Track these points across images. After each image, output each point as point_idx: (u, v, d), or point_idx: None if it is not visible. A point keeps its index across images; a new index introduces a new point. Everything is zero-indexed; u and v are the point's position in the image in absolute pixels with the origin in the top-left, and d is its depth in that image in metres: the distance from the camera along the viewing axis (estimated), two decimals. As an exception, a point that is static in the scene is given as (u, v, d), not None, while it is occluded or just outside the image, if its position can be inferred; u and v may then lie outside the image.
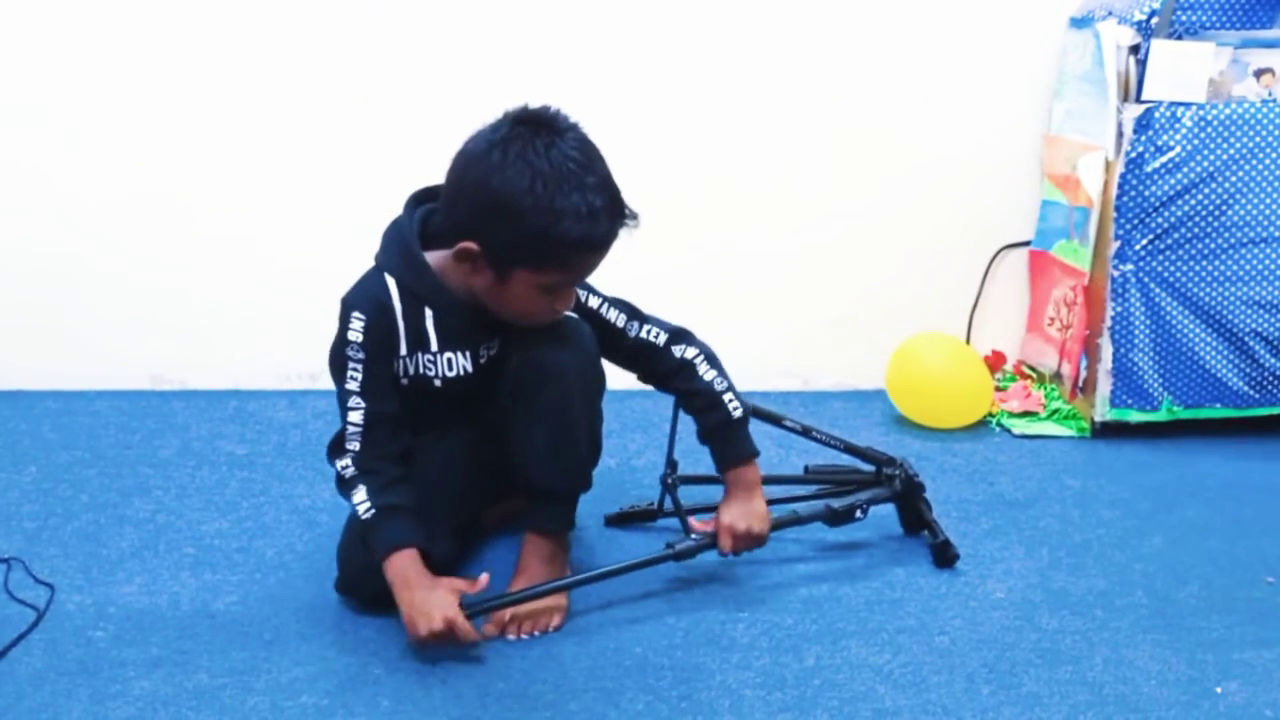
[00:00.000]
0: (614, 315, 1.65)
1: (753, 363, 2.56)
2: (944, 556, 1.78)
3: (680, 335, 1.68)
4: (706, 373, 1.66)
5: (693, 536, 1.67)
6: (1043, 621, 1.62)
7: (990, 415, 2.42)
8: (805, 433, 1.88)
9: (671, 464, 1.78)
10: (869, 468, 1.91)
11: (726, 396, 1.66)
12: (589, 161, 1.45)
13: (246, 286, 2.49)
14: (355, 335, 1.52)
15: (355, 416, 1.53)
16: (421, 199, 1.60)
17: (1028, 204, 2.55)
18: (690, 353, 1.67)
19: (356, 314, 1.52)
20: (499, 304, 1.53)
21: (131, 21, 2.36)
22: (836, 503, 1.77)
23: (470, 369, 1.58)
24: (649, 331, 1.66)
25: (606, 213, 1.45)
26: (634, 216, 1.50)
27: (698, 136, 2.48)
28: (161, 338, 2.51)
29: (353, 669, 1.47)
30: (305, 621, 1.58)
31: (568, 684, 1.45)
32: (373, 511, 1.52)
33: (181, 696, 1.40)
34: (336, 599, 1.64)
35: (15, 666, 1.46)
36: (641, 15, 2.42)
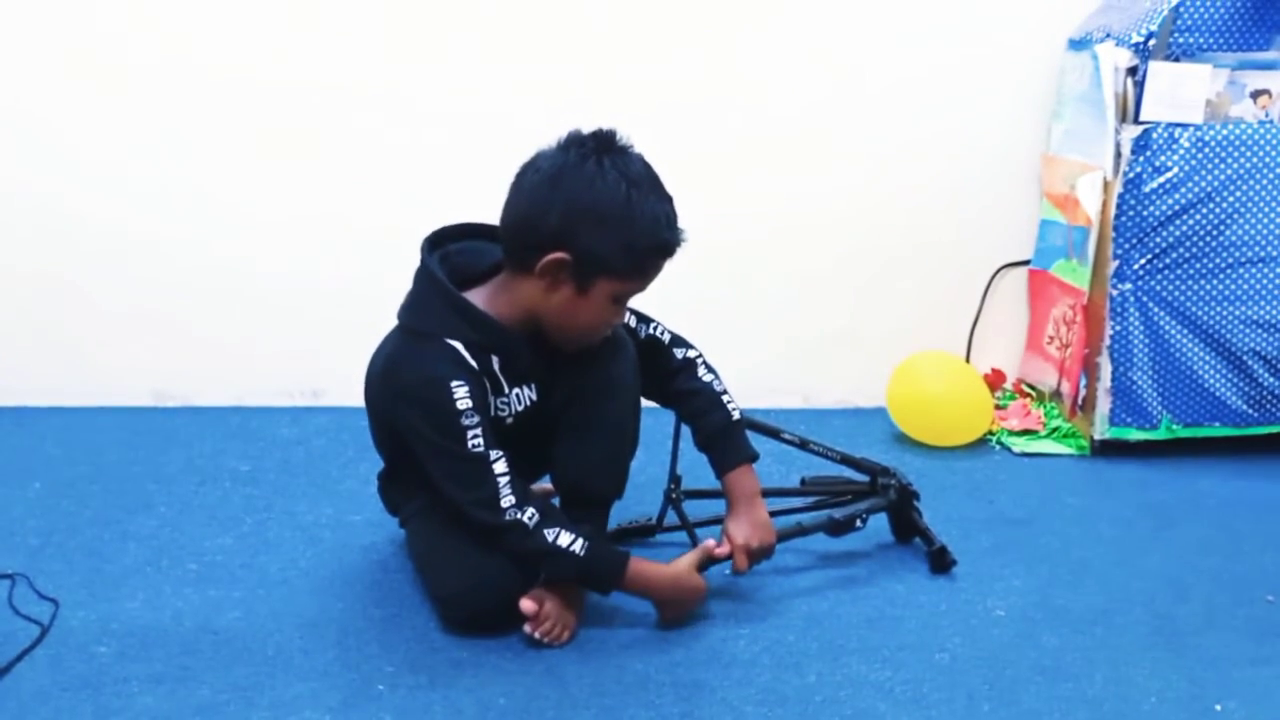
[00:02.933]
0: (627, 316, 1.70)
1: (753, 379, 2.56)
2: (940, 563, 1.80)
3: (679, 339, 1.76)
4: (705, 374, 1.74)
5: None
6: (1043, 639, 1.63)
7: (990, 433, 2.43)
8: (803, 445, 1.90)
9: (675, 478, 1.79)
10: (863, 478, 1.92)
11: (725, 398, 1.74)
12: (656, 175, 1.57)
13: (250, 304, 2.50)
14: (464, 403, 1.52)
15: (501, 466, 1.54)
16: (435, 243, 1.63)
17: (1027, 223, 2.56)
18: (691, 354, 1.75)
19: (455, 383, 1.52)
20: (568, 319, 1.57)
21: (134, 36, 2.37)
22: (838, 513, 1.79)
23: (535, 398, 1.63)
24: (656, 329, 1.75)
25: (676, 221, 1.57)
26: (683, 230, 1.58)
27: (699, 153, 2.49)
28: (165, 354, 2.51)
29: (355, 685, 1.48)
30: (308, 638, 1.58)
31: (569, 700, 1.46)
32: (587, 546, 1.56)
33: (184, 712, 1.41)
34: (340, 615, 1.64)
35: (20, 682, 1.46)
36: (646, 31, 2.44)
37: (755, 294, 2.58)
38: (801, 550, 1.87)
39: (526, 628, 1.57)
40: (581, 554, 1.55)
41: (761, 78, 2.48)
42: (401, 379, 1.57)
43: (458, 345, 1.54)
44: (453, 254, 1.62)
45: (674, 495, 1.78)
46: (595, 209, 1.50)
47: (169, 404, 2.53)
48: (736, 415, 1.72)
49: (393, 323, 1.63)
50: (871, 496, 1.88)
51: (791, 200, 2.54)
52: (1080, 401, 2.37)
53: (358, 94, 2.42)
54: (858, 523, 1.80)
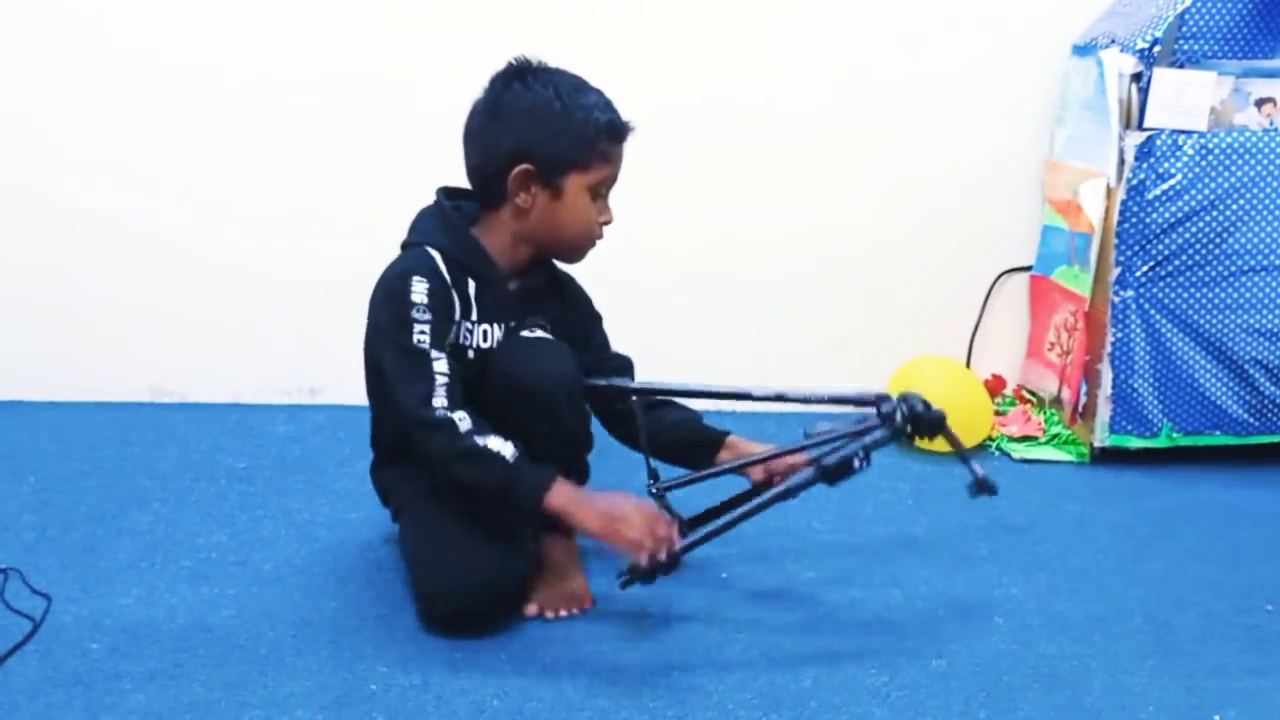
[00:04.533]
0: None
1: (751, 381, 2.54)
2: (985, 487, 1.66)
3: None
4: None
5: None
6: (1041, 646, 1.62)
7: (990, 439, 2.42)
8: (779, 399, 1.76)
9: (652, 473, 1.76)
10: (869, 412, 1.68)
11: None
12: (580, 78, 1.65)
13: (247, 300, 2.50)
14: (419, 297, 1.58)
15: (441, 366, 1.56)
16: (449, 193, 1.71)
17: (1029, 229, 2.56)
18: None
19: (418, 278, 1.59)
20: (557, 227, 1.64)
21: (131, 36, 2.37)
22: (829, 459, 1.59)
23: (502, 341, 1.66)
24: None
25: (614, 105, 1.64)
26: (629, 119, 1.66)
27: (699, 157, 2.49)
28: (162, 350, 2.51)
29: (348, 685, 1.47)
30: (302, 637, 1.58)
31: (564, 702, 1.45)
32: (517, 455, 1.54)
33: (177, 710, 1.40)
34: (334, 614, 1.63)
35: (11, 677, 1.45)
36: (647, 39, 2.44)
37: (756, 296, 2.57)
38: (801, 558, 1.87)
39: (546, 615, 1.64)
40: (510, 460, 1.52)
41: (763, 82, 2.48)
42: (379, 280, 1.64)
43: (435, 254, 1.62)
44: (464, 205, 1.70)
45: (655, 490, 1.75)
46: (536, 116, 1.59)
47: (165, 400, 2.53)
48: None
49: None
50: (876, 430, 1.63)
51: (793, 203, 2.53)
52: (1081, 408, 2.37)
53: (359, 90, 2.42)
54: (856, 464, 1.58)
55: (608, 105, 1.64)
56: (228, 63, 2.40)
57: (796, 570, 1.83)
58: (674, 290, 2.49)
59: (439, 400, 1.54)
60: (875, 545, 1.92)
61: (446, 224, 1.66)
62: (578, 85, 1.63)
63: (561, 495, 1.54)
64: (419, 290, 1.58)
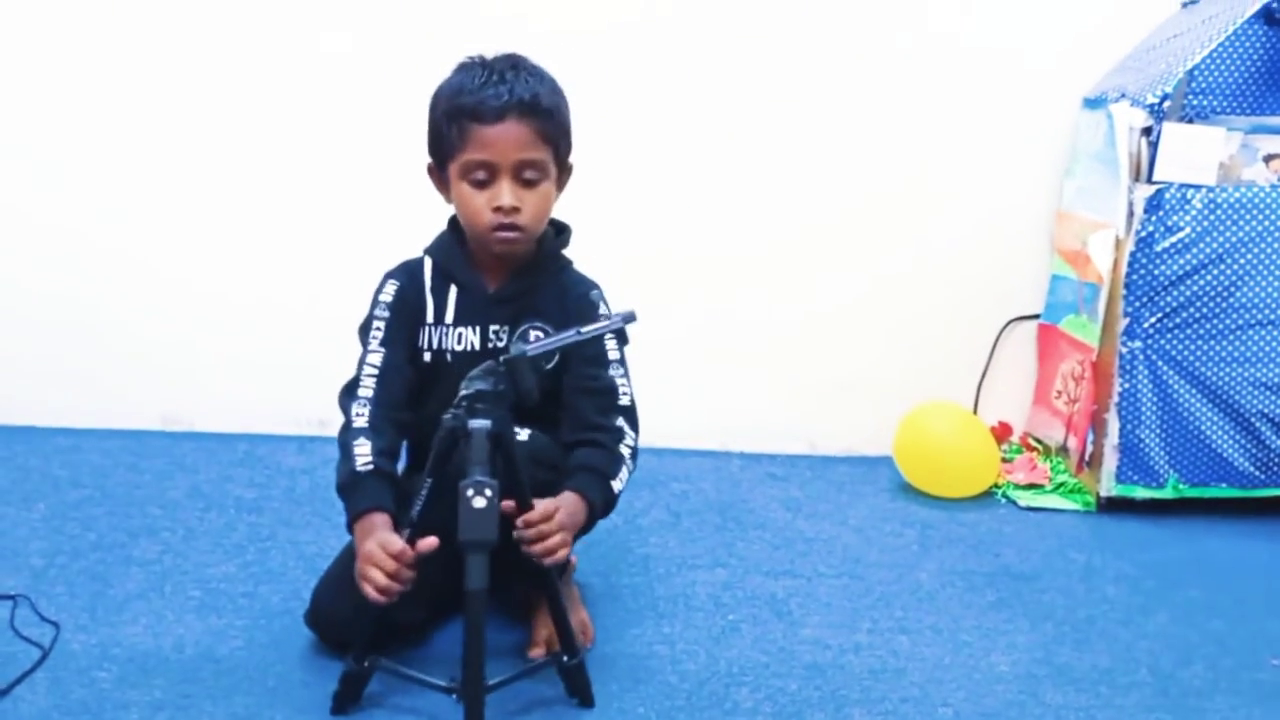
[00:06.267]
0: (611, 347, 1.64)
1: (758, 424, 2.58)
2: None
3: (633, 424, 1.64)
4: (618, 470, 1.60)
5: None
6: (1046, 696, 1.62)
7: (996, 486, 2.43)
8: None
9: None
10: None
11: (613, 484, 1.59)
12: (512, 60, 1.59)
13: (258, 331, 2.51)
14: (386, 297, 1.65)
15: (374, 359, 1.61)
16: None
17: (1038, 278, 2.57)
18: (629, 442, 1.62)
19: (391, 280, 1.67)
20: (462, 219, 1.62)
21: (142, 68, 2.40)
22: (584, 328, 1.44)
23: (478, 346, 1.64)
24: (623, 387, 1.64)
25: (498, 85, 1.55)
26: (539, 101, 1.55)
27: (710, 201, 2.51)
28: (173, 379, 2.52)
29: (355, 719, 1.47)
30: (309, 669, 1.58)
31: (570, 743, 1.45)
32: (370, 467, 1.52)
33: (183, 741, 1.40)
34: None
35: (19, 704, 1.46)
36: (656, 74, 2.47)
37: (765, 338, 2.58)
38: (805, 597, 1.87)
39: (533, 652, 1.62)
40: (359, 469, 1.51)
41: (774, 126, 2.50)
42: None
43: (428, 262, 1.67)
44: None
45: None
46: (430, 108, 1.62)
47: (176, 428, 2.54)
48: (605, 496, 1.57)
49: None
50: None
51: (803, 246, 2.55)
52: (1087, 457, 2.37)
53: (370, 125, 2.44)
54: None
55: (481, 86, 1.55)
56: (235, 100, 2.42)
57: (802, 615, 1.83)
58: (678, 335, 2.50)
59: (357, 389, 1.59)
60: (880, 591, 1.92)
61: (443, 236, 1.70)
62: (482, 64, 1.58)
63: (360, 527, 1.48)
64: (388, 290, 1.66)
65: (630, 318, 1.44)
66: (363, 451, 1.53)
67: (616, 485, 1.60)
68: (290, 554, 1.94)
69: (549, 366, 1.61)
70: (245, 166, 2.45)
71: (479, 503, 1.30)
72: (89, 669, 1.55)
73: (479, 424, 1.34)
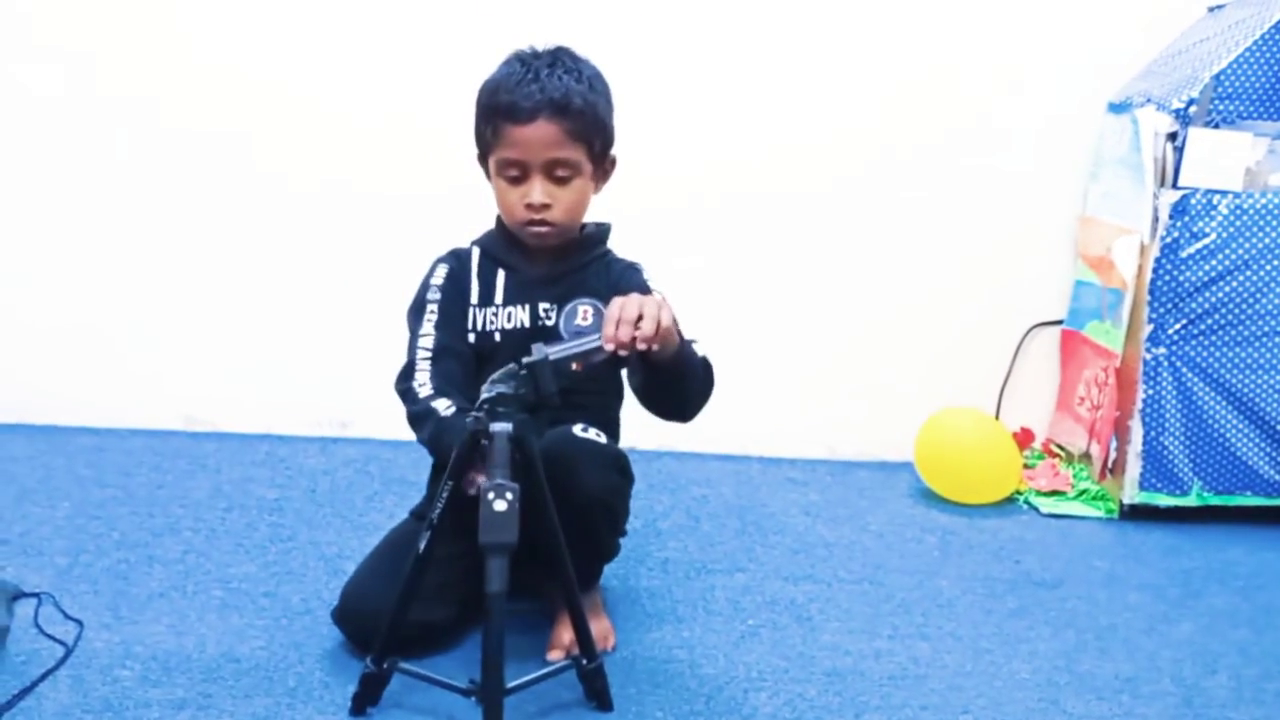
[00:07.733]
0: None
1: (778, 428, 2.57)
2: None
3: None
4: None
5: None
6: (1068, 705, 1.61)
7: (1018, 492, 2.41)
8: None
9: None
10: None
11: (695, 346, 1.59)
12: (557, 57, 1.61)
13: (281, 333, 2.53)
14: (437, 280, 1.69)
15: (427, 342, 1.65)
16: None
17: (1061, 283, 2.56)
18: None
19: (440, 264, 1.71)
20: (502, 214, 1.67)
21: (167, 80, 2.43)
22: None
23: (528, 324, 1.66)
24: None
25: (531, 83, 1.57)
26: (570, 101, 1.56)
27: (736, 208, 2.51)
28: (196, 380, 2.54)
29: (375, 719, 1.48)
30: (329, 670, 1.58)
31: (588, 746, 1.45)
32: (453, 410, 1.56)
33: (204, 740, 1.41)
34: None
35: (43, 701, 1.47)
36: (685, 92, 2.47)
37: (785, 343, 2.58)
38: (825, 602, 1.86)
39: (552, 654, 1.62)
40: (445, 413, 1.56)
41: (799, 133, 2.50)
42: None
43: (475, 249, 1.71)
44: None
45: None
46: (477, 96, 1.64)
47: (199, 429, 2.55)
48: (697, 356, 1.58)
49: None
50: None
51: (824, 251, 2.55)
52: (1110, 464, 2.36)
53: (389, 124, 2.45)
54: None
55: (517, 84, 1.58)
56: (261, 107, 2.44)
57: (821, 620, 1.82)
58: (705, 335, 2.50)
59: (412, 371, 1.63)
60: (901, 597, 1.92)
61: (491, 230, 1.73)
62: (531, 56, 1.61)
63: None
64: (438, 274, 1.70)
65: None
66: (442, 404, 1.58)
67: (699, 349, 1.60)
68: (311, 554, 1.95)
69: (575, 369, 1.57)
70: (272, 168, 2.47)
71: (500, 505, 1.31)
72: (111, 667, 1.56)
73: (501, 427, 1.34)
